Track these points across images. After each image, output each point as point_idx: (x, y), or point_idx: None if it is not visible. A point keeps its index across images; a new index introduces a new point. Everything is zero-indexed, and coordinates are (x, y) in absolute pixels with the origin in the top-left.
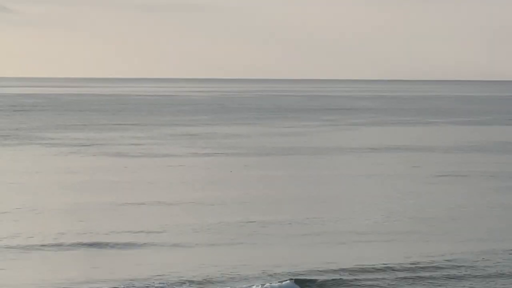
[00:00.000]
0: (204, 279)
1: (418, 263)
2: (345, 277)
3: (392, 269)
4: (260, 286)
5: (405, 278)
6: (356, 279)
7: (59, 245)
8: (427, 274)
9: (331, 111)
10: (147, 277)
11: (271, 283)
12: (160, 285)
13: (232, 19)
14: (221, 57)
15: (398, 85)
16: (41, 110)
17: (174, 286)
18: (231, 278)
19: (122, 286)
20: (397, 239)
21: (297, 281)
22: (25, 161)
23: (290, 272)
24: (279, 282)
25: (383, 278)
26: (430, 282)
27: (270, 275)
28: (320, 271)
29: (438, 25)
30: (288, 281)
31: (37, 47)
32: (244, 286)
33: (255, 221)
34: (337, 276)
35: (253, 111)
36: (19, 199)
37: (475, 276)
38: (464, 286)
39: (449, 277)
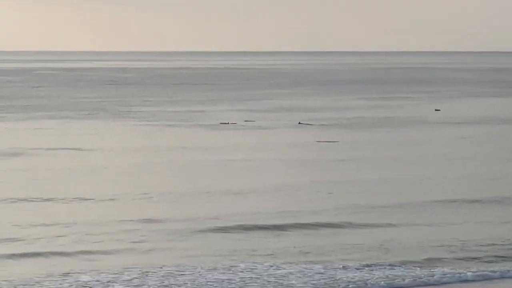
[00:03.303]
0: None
1: None
2: None
3: None
4: None
5: None
6: None
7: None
8: None
9: (428, 83)
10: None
11: None
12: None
13: None
14: (315, 29)
15: (493, 56)
16: (132, 84)
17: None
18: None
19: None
20: None
21: None
22: (138, 137)
23: None
24: None
25: None
26: None
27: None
28: None
29: None
30: None
31: (129, 22)
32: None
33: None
34: None
35: (349, 84)
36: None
37: None
38: None
39: None
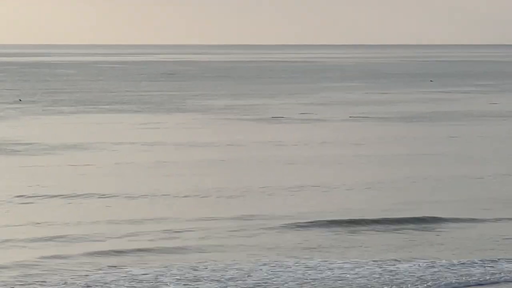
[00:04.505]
0: None
1: None
2: None
3: None
4: None
5: None
6: None
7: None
8: None
9: (483, 77)
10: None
11: None
12: None
13: None
14: (368, 23)
15: None
16: (189, 77)
17: None
18: None
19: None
20: None
21: None
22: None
23: None
24: None
25: None
26: None
27: None
28: None
29: None
30: None
31: (184, 17)
32: None
33: None
34: None
35: (402, 77)
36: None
37: None
38: None
39: None
